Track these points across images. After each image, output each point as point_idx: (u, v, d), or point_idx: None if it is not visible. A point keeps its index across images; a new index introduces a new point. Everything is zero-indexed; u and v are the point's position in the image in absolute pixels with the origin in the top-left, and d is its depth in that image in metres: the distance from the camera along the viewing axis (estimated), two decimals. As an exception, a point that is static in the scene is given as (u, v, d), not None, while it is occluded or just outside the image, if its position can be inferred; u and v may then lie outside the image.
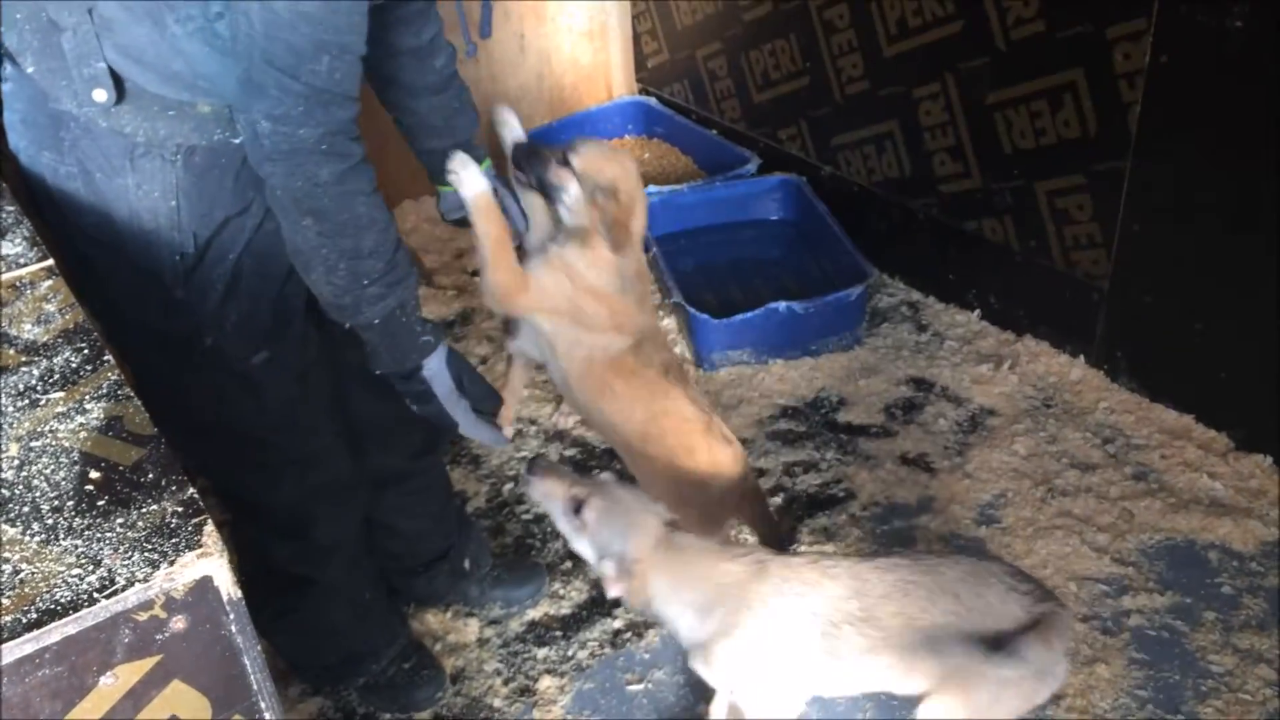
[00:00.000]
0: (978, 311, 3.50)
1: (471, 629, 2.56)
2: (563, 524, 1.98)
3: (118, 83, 1.60)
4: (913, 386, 3.24)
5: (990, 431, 3.03)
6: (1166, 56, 2.68)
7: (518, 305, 2.35)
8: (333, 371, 2.08)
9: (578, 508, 1.93)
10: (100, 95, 1.59)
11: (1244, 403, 2.85)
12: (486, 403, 1.92)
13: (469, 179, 2.16)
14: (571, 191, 2.30)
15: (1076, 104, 2.92)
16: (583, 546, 1.96)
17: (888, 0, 3.36)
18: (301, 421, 1.99)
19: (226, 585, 1.03)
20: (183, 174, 1.68)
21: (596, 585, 2.63)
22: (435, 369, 1.84)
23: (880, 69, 3.50)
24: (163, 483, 1.11)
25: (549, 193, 2.34)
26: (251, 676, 1.08)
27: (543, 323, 2.37)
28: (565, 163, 2.29)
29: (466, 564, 2.55)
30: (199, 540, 1.04)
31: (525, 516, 2.86)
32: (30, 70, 1.63)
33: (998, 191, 3.26)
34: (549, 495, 1.98)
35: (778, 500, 2.86)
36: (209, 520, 1.05)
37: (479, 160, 2.19)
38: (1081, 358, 3.23)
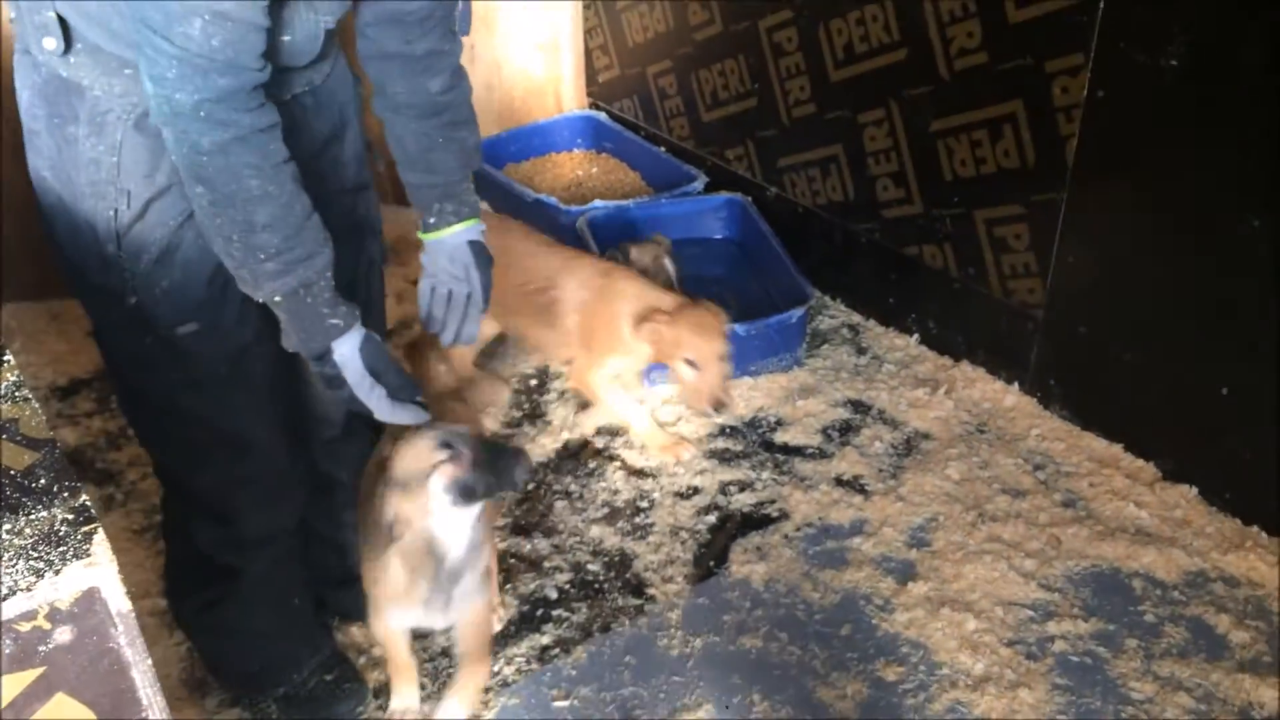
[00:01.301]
0: (916, 336, 3.53)
1: (397, 643, 2.52)
2: None
3: (66, 32, 1.63)
4: (850, 409, 3.26)
5: (924, 455, 3.05)
6: (1103, 91, 2.72)
7: None
8: (280, 366, 2.05)
9: None
10: (50, 43, 1.63)
11: (1171, 434, 2.89)
12: (404, 392, 1.86)
13: None
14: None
15: (1016, 135, 2.96)
16: None
17: (835, 25, 3.39)
18: (232, 405, 1.96)
19: (116, 597, 1.00)
20: (131, 132, 1.69)
21: (526, 600, 2.61)
22: (346, 355, 1.77)
23: (827, 93, 3.53)
24: (54, 489, 1.08)
25: None
26: (141, 691, 1.05)
27: None
28: None
29: (395, 578, 2.51)
30: (87, 550, 1.01)
31: (457, 530, 2.83)
32: (11, 16, 1.71)
33: (938, 218, 3.29)
34: None
35: (711, 519, 2.86)
36: (99, 529, 1.02)
37: (471, 211, 2.07)
38: (1016, 385, 3.26)
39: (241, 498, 2.06)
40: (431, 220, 2.06)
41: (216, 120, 1.55)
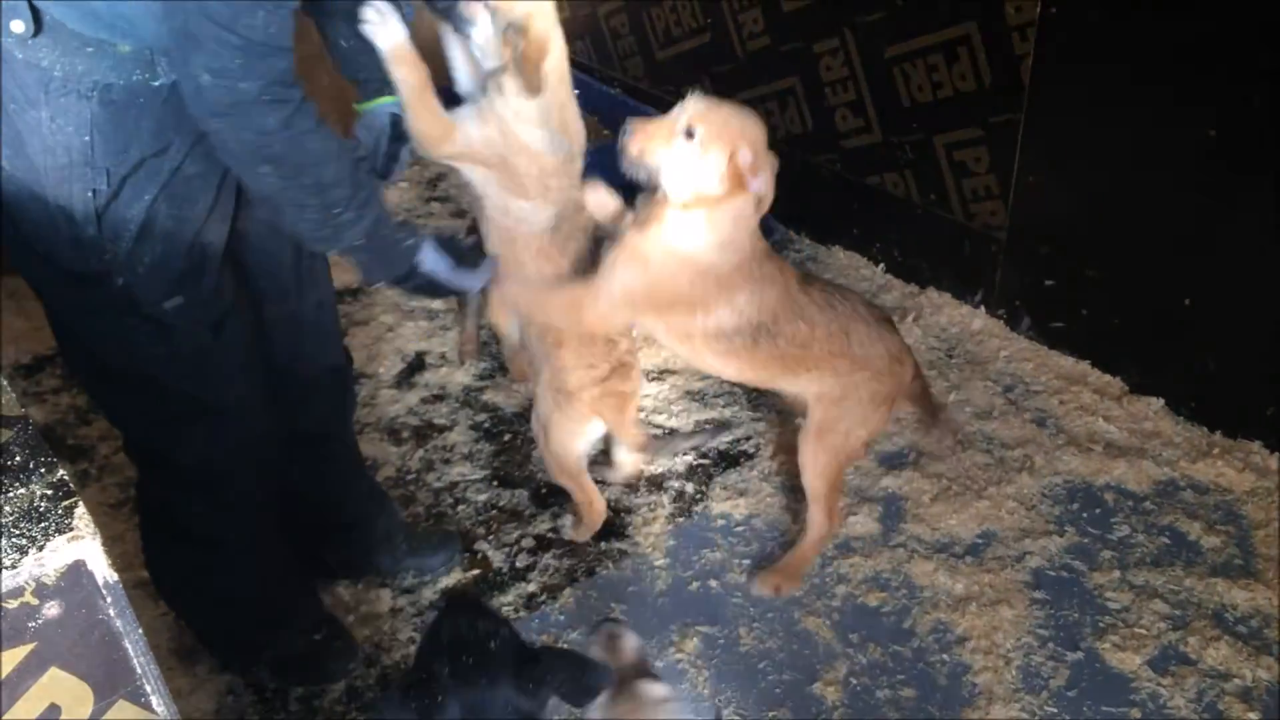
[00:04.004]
0: (882, 265, 3.55)
1: (384, 599, 2.53)
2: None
3: (36, 15, 1.60)
4: (820, 341, 3.27)
5: (896, 383, 3.07)
6: (1055, 8, 2.72)
7: (443, 154, 2.23)
8: (252, 325, 2.05)
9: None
10: (18, 26, 1.60)
11: (1137, 347, 2.93)
12: (474, 259, 2.10)
13: (385, 32, 2.02)
14: (480, 26, 2.16)
15: (971, 57, 2.96)
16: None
17: (786, -45, 3.36)
18: (215, 372, 1.95)
19: (101, 568, 1.00)
20: (99, 110, 1.68)
21: (507, 549, 2.62)
22: (431, 260, 1.98)
23: (780, 24, 3.49)
24: (30, 465, 1.07)
25: (460, 28, 2.18)
26: (134, 660, 1.05)
27: (471, 174, 2.31)
28: None
29: (378, 534, 2.52)
30: (69, 524, 1.00)
31: (436, 484, 2.83)
32: None
33: (898, 145, 3.29)
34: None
35: (689, 459, 2.87)
36: (79, 503, 1.01)
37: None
38: (982, 308, 3.29)
39: (226, 466, 2.05)
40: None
41: (279, 99, 1.64)
